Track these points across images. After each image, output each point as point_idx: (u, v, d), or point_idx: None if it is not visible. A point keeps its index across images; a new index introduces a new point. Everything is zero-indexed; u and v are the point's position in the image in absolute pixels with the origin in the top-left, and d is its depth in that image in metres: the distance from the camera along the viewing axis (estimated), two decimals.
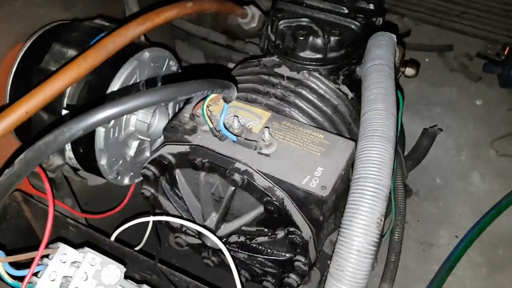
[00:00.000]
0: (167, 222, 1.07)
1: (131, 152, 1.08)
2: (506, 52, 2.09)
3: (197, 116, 0.93)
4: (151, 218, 0.91)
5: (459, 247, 1.53)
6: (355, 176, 0.72)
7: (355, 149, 0.92)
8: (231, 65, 1.69)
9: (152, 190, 1.04)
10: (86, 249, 0.72)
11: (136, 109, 0.56)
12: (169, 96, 0.58)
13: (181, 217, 1.00)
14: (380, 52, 0.88)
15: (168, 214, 1.02)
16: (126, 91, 0.94)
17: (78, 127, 0.53)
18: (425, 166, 1.71)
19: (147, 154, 1.14)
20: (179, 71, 1.15)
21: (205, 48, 1.77)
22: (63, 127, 0.53)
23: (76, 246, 0.75)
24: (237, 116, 0.94)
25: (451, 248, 1.53)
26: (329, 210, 0.91)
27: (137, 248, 0.99)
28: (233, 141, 0.89)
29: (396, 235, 1.29)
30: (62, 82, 0.76)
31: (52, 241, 0.80)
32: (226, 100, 0.80)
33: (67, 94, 0.95)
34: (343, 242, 0.68)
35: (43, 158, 0.55)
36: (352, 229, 0.66)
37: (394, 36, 0.96)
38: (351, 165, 0.94)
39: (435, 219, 1.65)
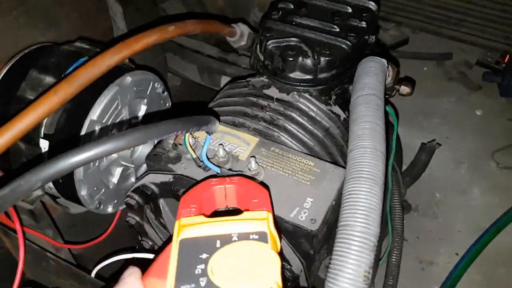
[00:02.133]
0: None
1: (114, 179, 1.04)
2: (506, 60, 2.04)
3: (180, 145, 0.88)
4: (134, 255, 0.87)
5: (459, 266, 1.49)
6: (341, 223, 0.68)
7: None
8: (225, 78, 1.66)
9: (137, 218, 1.00)
10: None
11: (101, 157, 0.52)
12: (137, 141, 0.54)
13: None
14: (368, 80, 0.84)
15: (152, 250, 0.98)
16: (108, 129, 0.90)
17: (36, 178, 0.49)
18: (424, 180, 1.67)
19: (132, 179, 1.10)
20: (165, 93, 1.11)
21: (197, 61, 1.73)
22: (20, 179, 0.49)
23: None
24: (222, 144, 0.90)
25: (451, 267, 1.49)
26: (320, 243, 0.87)
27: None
28: (217, 173, 0.85)
29: (394, 257, 1.25)
30: (32, 119, 0.72)
31: (26, 283, 0.76)
32: (208, 133, 0.76)
33: (44, 123, 0.91)
34: None
35: (1, 212, 0.51)
36: (338, 284, 0.61)
37: (385, 61, 0.91)
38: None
39: (434, 236, 1.61)
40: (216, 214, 0.64)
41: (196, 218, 0.53)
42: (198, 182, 0.86)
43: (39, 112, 0.73)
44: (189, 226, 0.51)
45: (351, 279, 0.60)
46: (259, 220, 0.52)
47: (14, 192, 0.49)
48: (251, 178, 0.84)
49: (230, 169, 0.86)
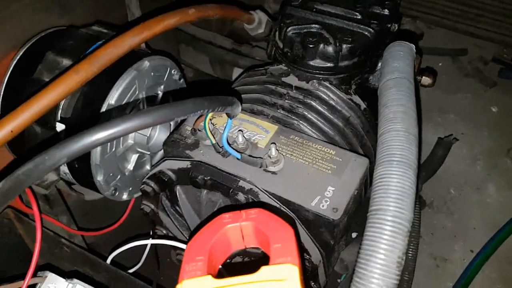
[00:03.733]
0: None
1: (130, 166, 1.02)
2: None
3: (199, 130, 0.87)
4: (149, 241, 0.85)
5: (474, 263, 1.46)
6: (372, 207, 0.65)
7: (369, 167, 0.86)
8: (237, 70, 1.63)
9: (152, 206, 0.98)
10: (75, 280, 0.66)
11: (127, 133, 0.51)
12: (163, 118, 0.52)
13: (180, 240, 0.94)
14: (398, 64, 0.81)
15: (167, 237, 0.96)
16: (124, 108, 0.88)
17: (61, 154, 0.47)
18: (438, 176, 1.63)
19: (148, 167, 1.08)
20: (181, 80, 1.09)
21: (210, 52, 1.71)
22: (44, 154, 0.47)
23: (66, 274, 0.69)
24: (241, 131, 0.88)
25: (466, 264, 1.46)
26: (341, 233, 0.85)
27: (134, 269, 0.93)
28: (237, 158, 0.83)
29: (410, 252, 1.22)
30: (51, 98, 0.70)
31: (41, 267, 0.74)
32: (230, 116, 0.74)
33: (61, 106, 0.89)
34: (359, 285, 0.61)
35: (23, 188, 0.49)
36: (370, 269, 0.59)
37: (413, 46, 0.89)
38: (364, 183, 0.87)
39: (449, 233, 1.57)
40: (231, 260, 0.53)
41: (202, 280, 0.44)
42: (217, 168, 0.84)
43: (59, 91, 0.71)
44: None
45: (384, 264, 0.57)
46: (283, 283, 0.40)
47: (37, 168, 0.47)
48: (270, 205, 0.79)
49: (250, 155, 0.84)
